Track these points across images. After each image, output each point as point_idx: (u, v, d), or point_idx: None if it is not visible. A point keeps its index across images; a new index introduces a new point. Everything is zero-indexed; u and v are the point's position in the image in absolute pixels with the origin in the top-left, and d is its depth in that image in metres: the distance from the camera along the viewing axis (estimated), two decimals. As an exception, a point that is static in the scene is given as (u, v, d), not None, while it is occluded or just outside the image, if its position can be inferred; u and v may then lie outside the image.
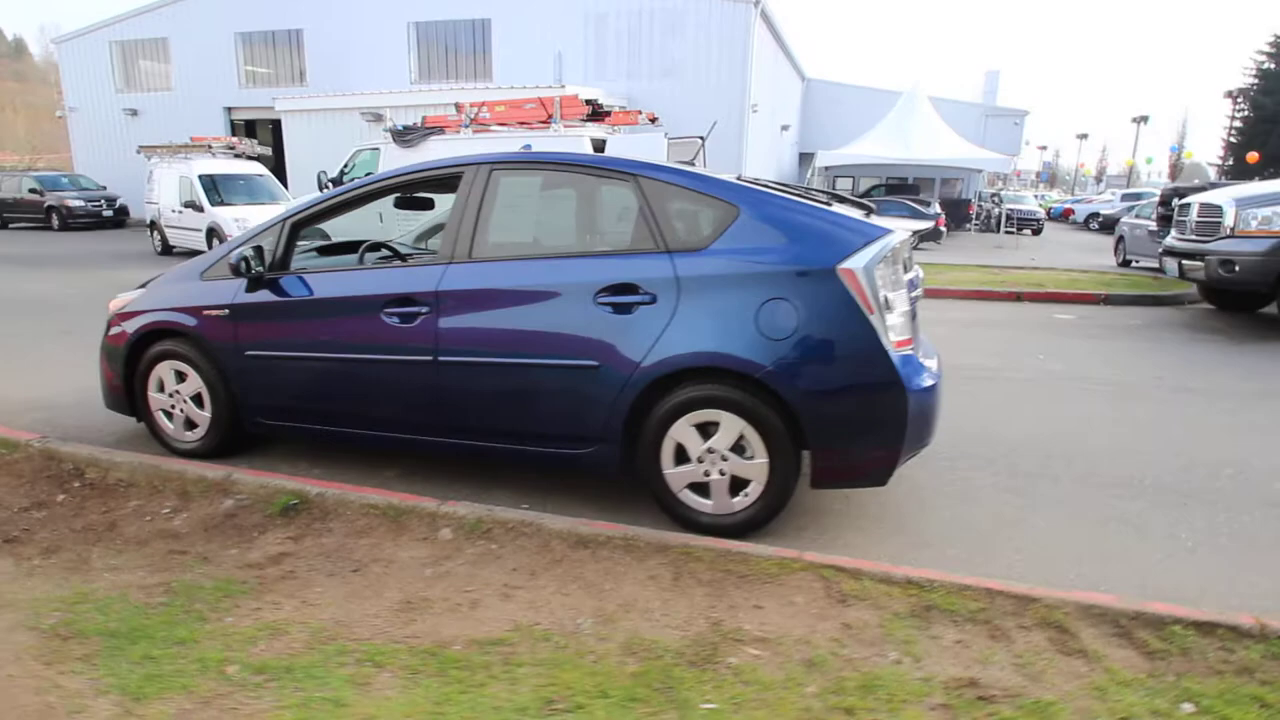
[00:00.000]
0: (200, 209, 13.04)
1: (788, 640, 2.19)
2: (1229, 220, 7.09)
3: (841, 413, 2.79)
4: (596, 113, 9.06)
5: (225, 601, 2.38)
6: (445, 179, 3.37)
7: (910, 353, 2.84)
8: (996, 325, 7.94)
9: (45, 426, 4.34)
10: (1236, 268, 6.93)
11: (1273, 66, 44.91)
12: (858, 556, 2.76)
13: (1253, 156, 27.81)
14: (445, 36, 21.10)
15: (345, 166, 10.34)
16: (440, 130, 9.73)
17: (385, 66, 20.85)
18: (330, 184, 10.35)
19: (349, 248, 4.33)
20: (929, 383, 2.86)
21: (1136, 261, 13.90)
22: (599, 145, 8.93)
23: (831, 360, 2.77)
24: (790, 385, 2.76)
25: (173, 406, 3.85)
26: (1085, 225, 30.93)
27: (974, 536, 3.05)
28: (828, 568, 2.53)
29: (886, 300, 2.76)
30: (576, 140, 8.84)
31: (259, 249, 3.49)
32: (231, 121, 22.97)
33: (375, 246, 3.88)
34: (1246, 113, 43.12)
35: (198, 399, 3.78)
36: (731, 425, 2.87)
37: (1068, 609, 2.31)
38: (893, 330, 2.76)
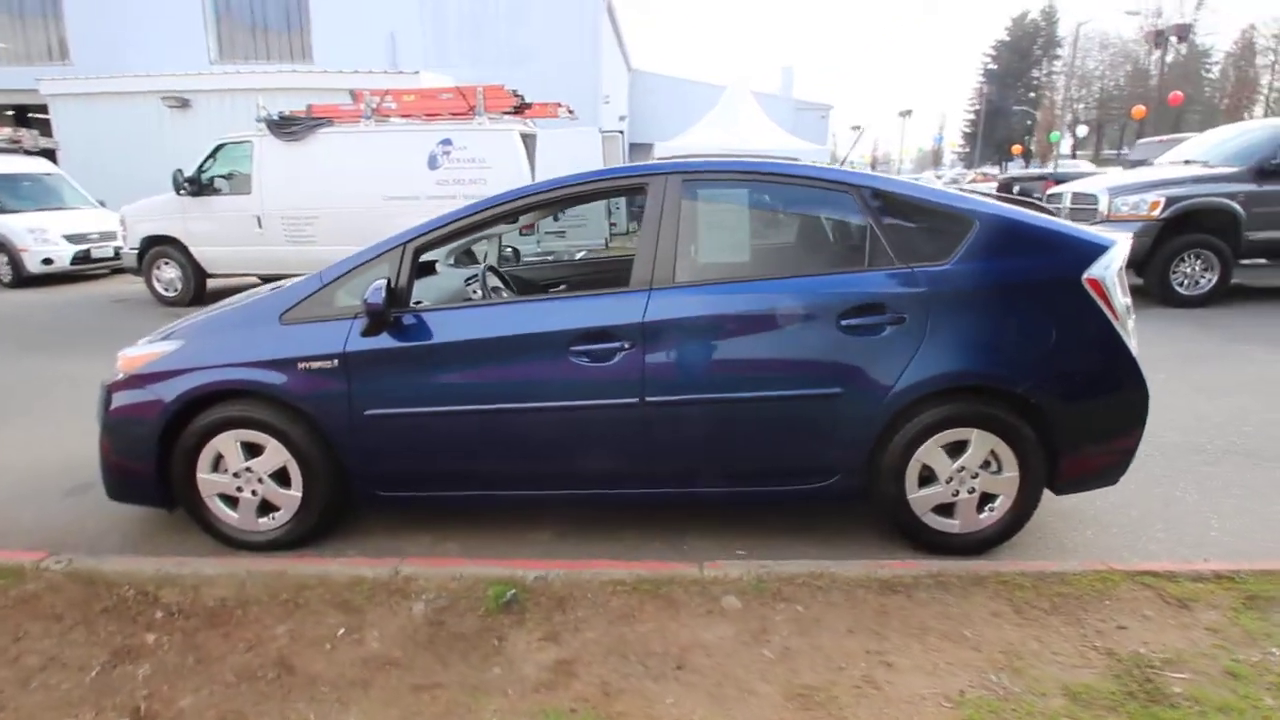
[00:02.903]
0: (-27, 218, 10.30)
1: (1188, 656, 2.19)
2: (1103, 207, 8.28)
3: (1099, 418, 2.83)
4: (520, 105, 8.42)
5: (594, 742, 1.88)
6: (619, 190, 2.92)
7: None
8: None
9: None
10: (1114, 247, 8.13)
11: (996, 68, 53.42)
12: (1083, 555, 2.88)
13: (1017, 149, 33.08)
14: (250, 10, 18.51)
15: (204, 163, 8.63)
16: (330, 121, 8.51)
17: (175, 43, 17.85)
18: (187, 184, 8.60)
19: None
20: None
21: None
22: (529, 140, 8.32)
23: (1088, 369, 2.80)
24: (1052, 397, 2.75)
25: (239, 489, 2.98)
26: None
27: (1158, 519, 3.26)
28: (1141, 574, 2.58)
29: (1127, 307, 2.84)
30: (505, 135, 8.18)
31: (385, 283, 2.79)
32: (-39, 106, 18.41)
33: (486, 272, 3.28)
34: (979, 107, 51.12)
35: (280, 476, 2.97)
36: (982, 442, 2.81)
37: (1352, 578, 2.56)
38: (1133, 334, 2.86)
